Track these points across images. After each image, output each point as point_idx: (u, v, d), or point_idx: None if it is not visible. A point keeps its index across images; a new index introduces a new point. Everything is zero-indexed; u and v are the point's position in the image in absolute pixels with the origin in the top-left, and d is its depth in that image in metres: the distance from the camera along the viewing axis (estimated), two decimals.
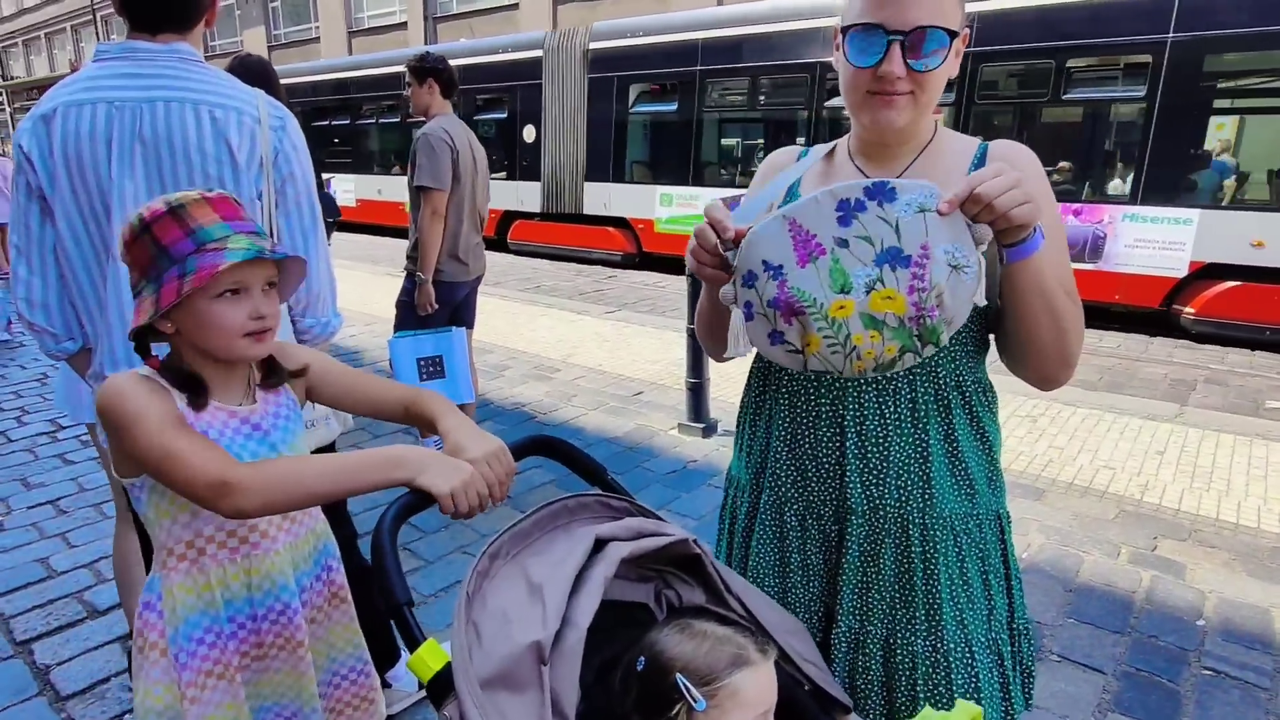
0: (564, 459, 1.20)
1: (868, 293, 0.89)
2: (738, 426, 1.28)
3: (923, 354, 0.92)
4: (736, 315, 0.98)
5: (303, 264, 1.14)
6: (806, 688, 1.03)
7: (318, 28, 24.33)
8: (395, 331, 3.37)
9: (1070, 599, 2.67)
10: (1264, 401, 5.32)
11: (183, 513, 1.10)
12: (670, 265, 10.83)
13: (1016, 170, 0.88)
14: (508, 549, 0.98)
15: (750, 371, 1.24)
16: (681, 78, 10.11)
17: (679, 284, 8.96)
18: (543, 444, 1.21)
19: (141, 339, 1.08)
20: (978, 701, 1.07)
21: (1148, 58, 6.87)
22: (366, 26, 23.11)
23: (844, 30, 1.00)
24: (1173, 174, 6.92)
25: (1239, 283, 6.67)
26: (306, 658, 1.17)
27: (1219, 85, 6.82)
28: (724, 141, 10.46)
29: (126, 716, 2.09)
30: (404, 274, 3.53)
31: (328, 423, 1.65)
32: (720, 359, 1.28)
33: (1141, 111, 7.01)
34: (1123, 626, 2.51)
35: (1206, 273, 6.83)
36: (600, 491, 1.13)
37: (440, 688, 0.83)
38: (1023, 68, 7.68)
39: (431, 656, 0.84)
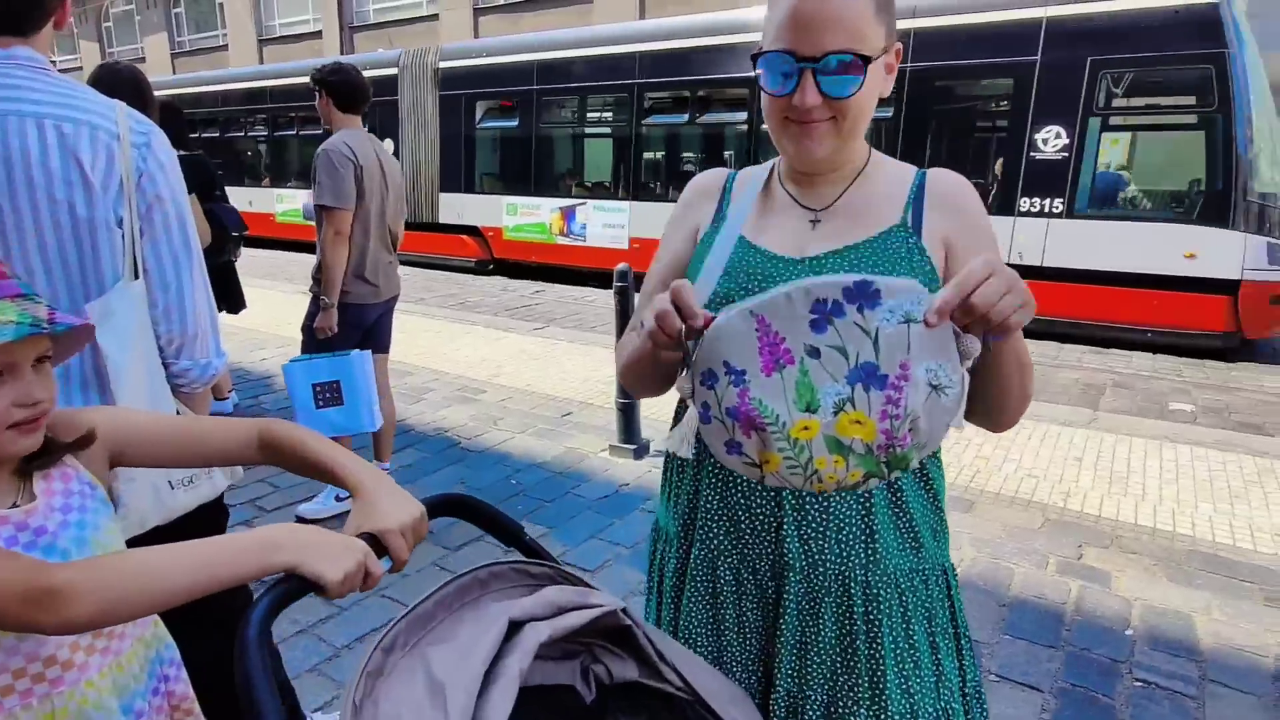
0: (479, 520, 1.08)
1: (836, 414, 0.81)
2: (664, 471, 1.17)
3: (889, 479, 0.86)
4: (692, 413, 0.88)
5: (90, 330, 0.93)
6: None
7: (225, 35, 23.33)
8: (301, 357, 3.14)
9: (1004, 614, 2.67)
10: (1168, 404, 5.58)
11: None
12: (519, 271, 11.50)
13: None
14: (405, 639, 0.84)
15: (677, 407, 1.13)
16: (520, 96, 10.88)
17: (606, 297, 8.84)
18: (456, 504, 1.08)
19: None
20: None
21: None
22: (278, 35, 22.29)
23: (757, 56, 0.94)
24: None
25: None
26: None
27: (949, 107, 8.18)
28: (559, 155, 11.26)
29: None
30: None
31: (210, 476, 1.45)
32: (639, 397, 1.17)
33: (888, 130, 8.12)
34: (1056, 640, 2.52)
35: None
36: (517, 557, 1.00)
37: None
38: None
39: None
